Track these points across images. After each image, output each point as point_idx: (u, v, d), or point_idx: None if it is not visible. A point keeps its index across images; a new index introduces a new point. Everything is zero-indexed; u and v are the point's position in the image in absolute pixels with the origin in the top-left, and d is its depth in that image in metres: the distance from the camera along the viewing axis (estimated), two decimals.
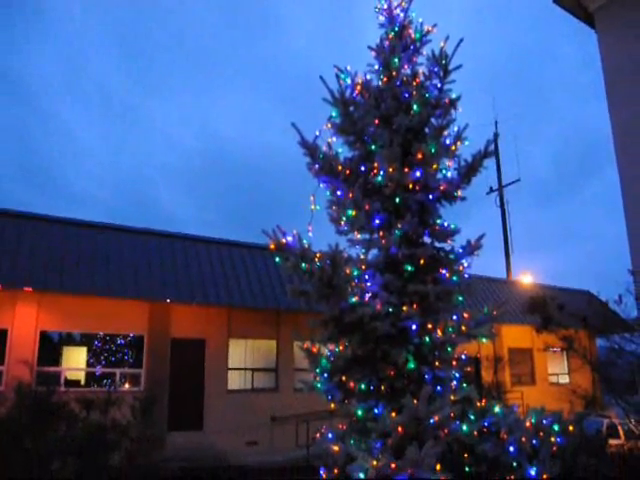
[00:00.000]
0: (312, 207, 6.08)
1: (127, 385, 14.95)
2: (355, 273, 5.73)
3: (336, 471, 4.85)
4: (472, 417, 5.04)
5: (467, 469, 4.75)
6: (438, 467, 4.22)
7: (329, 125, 6.60)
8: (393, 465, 4.03)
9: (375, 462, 4.02)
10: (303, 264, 5.30)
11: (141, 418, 6.48)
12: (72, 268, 14.64)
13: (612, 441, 11.78)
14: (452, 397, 5.12)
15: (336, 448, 4.65)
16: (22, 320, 14.56)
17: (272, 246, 5.39)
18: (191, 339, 16.24)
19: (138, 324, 15.84)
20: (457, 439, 4.67)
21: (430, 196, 6.29)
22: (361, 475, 4.04)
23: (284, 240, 5.38)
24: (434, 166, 6.28)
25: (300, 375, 17.24)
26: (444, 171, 6.51)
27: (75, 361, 16.11)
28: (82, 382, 15.31)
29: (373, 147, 6.48)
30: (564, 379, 24.89)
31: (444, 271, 6.07)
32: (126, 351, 16.96)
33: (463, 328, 5.82)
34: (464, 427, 4.70)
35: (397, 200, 6.09)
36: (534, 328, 20.85)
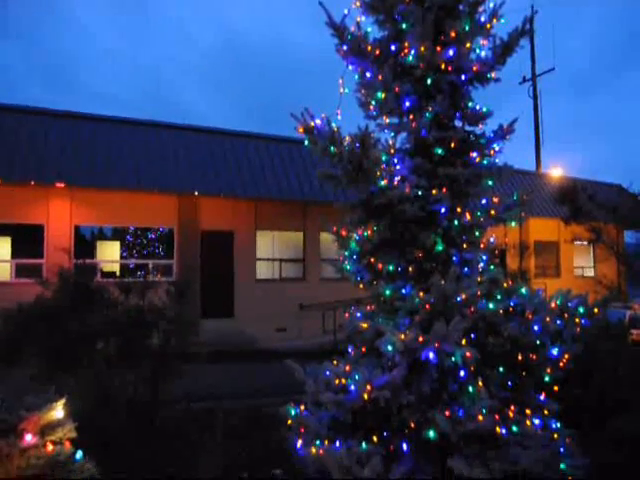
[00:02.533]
0: (340, 90, 5.90)
1: (159, 276, 15.55)
2: (384, 158, 5.66)
3: (364, 349, 5.07)
4: (498, 297, 5.14)
5: (489, 353, 4.89)
6: (464, 342, 4.38)
7: (358, 3, 6.24)
8: (421, 338, 4.19)
9: (403, 336, 4.18)
10: (332, 147, 5.22)
11: (176, 301, 6.76)
12: (102, 163, 14.79)
13: (634, 331, 12.01)
14: (479, 278, 5.19)
15: (365, 325, 4.84)
16: (57, 215, 14.98)
17: (300, 129, 5.30)
18: (220, 231, 16.59)
19: (168, 217, 16.18)
20: (483, 317, 4.79)
21: (462, 77, 6.02)
22: (389, 348, 4.22)
23: (313, 123, 5.27)
24: (467, 45, 5.95)
25: (327, 265, 17.68)
26: (478, 50, 6.18)
27: (109, 255, 16.75)
28: (117, 274, 15.99)
29: (404, 26, 6.13)
30: (589, 272, 25.03)
31: (475, 155, 5.94)
32: (157, 244, 17.48)
33: (492, 212, 5.79)
34: (490, 305, 4.81)
35: (428, 81, 5.86)
36: (562, 220, 20.74)
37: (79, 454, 4.23)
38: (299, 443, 4.47)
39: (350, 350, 5.19)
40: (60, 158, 14.46)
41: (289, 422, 4.78)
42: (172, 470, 5.24)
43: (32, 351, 5.69)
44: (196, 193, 15.47)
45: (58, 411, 4.13)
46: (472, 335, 4.67)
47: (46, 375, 5.48)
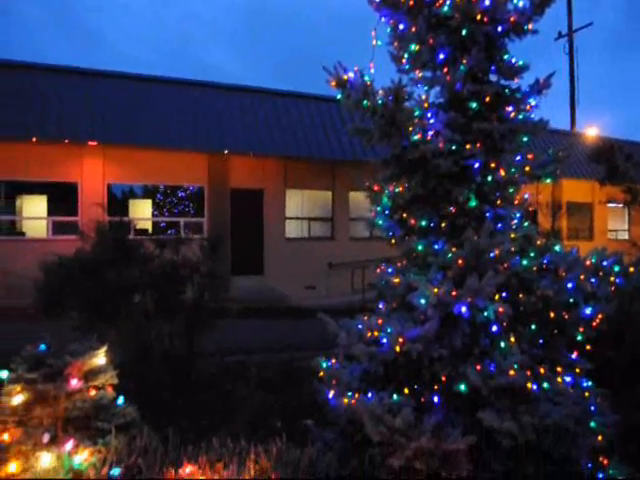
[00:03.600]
0: (373, 43, 5.78)
1: (191, 234, 15.73)
2: (417, 112, 5.57)
3: (395, 304, 5.11)
4: (532, 254, 5.09)
5: (522, 310, 4.87)
6: (497, 297, 4.37)
7: None
8: (454, 292, 4.20)
9: (436, 290, 4.19)
10: (365, 101, 5.16)
11: (209, 256, 6.87)
12: (133, 121, 14.90)
13: None
14: (512, 235, 5.14)
15: (397, 280, 4.86)
16: (90, 173, 15.24)
17: (333, 83, 5.23)
18: (249, 189, 16.68)
19: (198, 175, 16.30)
20: (516, 274, 4.76)
21: (499, 28, 5.82)
22: (422, 301, 4.25)
23: (345, 76, 5.20)
24: None
25: (355, 224, 17.71)
26: (515, 0, 5.97)
27: (141, 213, 17.02)
28: (149, 232, 16.26)
29: None
30: (623, 235, 24.52)
31: (510, 109, 5.80)
32: (187, 203, 17.67)
33: (527, 169, 5.68)
34: (523, 262, 4.77)
35: (463, 32, 5.68)
36: (597, 181, 20.21)
37: (121, 399, 4.42)
38: (331, 394, 4.57)
39: (381, 306, 5.23)
40: (93, 117, 14.60)
41: (321, 374, 4.87)
42: (207, 420, 5.43)
43: (73, 303, 5.89)
44: (226, 152, 15.50)
45: (100, 358, 4.31)
46: (504, 293, 4.65)
47: (87, 326, 5.68)
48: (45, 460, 3.80)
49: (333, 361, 4.86)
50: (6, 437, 3.95)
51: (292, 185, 17.27)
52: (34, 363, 4.14)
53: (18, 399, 4.06)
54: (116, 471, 3.68)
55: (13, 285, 12.75)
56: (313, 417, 5.02)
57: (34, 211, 15.85)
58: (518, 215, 5.58)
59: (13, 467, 3.80)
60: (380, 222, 5.35)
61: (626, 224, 24.72)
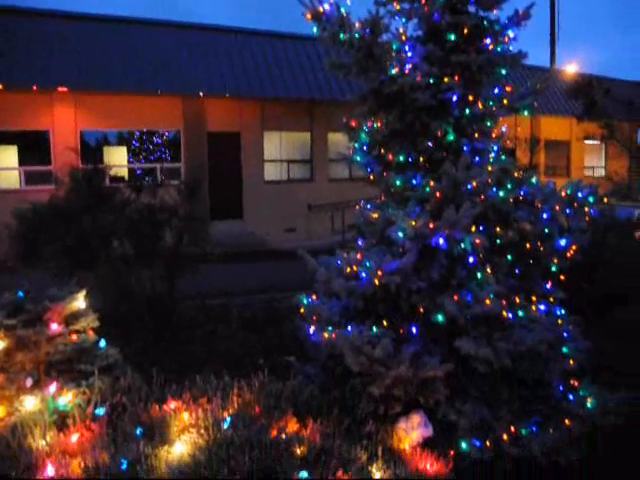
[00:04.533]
0: None
1: (167, 179, 15.50)
2: (395, 45, 5.44)
3: (374, 240, 5.13)
4: (509, 186, 5.11)
5: (498, 242, 4.91)
6: (473, 229, 4.41)
7: None
8: (431, 225, 4.22)
9: (414, 222, 4.21)
10: (341, 34, 5.02)
11: (187, 200, 6.80)
12: (104, 66, 14.39)
13: None
14: (489, 167, 5.14)
15: (375, 215, 4.86)
16: (61, 121, 14.80)
17: (308, 16, 5.06)
18: (226, 132, 16.38)
19: (173, 120, 15.94)
20: (492, 205, 4.79)
21: None
22: (400, 234, 4.27)
23: (321, 9, 5.03)
24: None
25: (335, 166, 17.60)
26: None
27: (116, 160, 16.66)
28: (125, 179, 15.98)
29: None
30: (600, 172, 24.71)
31: (488, 41, 5.68)
32: (163, 149, 17.35)
33: (505, 101, 5.62)
34: (500, 194, 4.79)
35: None
36: (575, 117, 20.20)
37: (102, 342, 4.44)
38: (312, 329, 4.64)
39: (360, 243, 5.25)
40: (62, 62, 14.06)
41: (302, 310, 4.93)
42: (189, 360, 5.50)
43: (50, 250, 5.82)
44: (201, 94, 15.12)
45: (80, 302, 4.30)
46: (481, 226, 4.69)
47: (65, 272, 5.63)
48: (29, 403, 3.84)
49: (313, 297, 4.91)
50: None
51: (270, 127, 16.99)
52: (12, 309, 4.12)
53: None
54: (101, 410, 3.73)
55: None
56: (294, 354, 5.12)
57: (5, 161, 15.43)
58: (495, 148, 5.56)
59: None
60: (358, 158, 5.31)
61: (603, 161, 24.91)
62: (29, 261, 6.04)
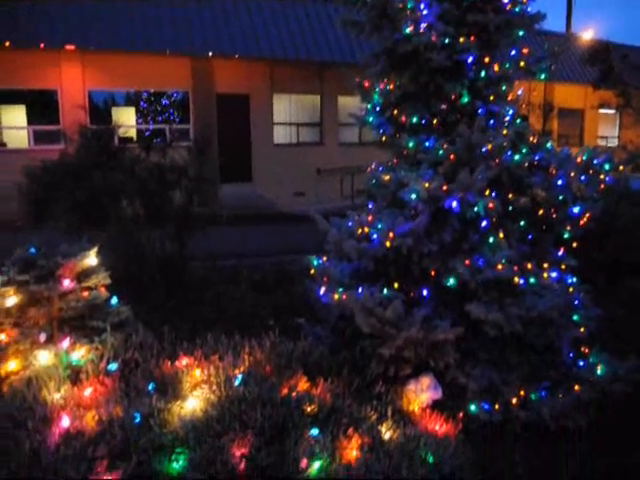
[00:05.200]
0: None
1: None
2: (409, 4, 5.30)
3: (385, 203, 5.09)
4: (523, 150, 5.03)
5: (511, 207, 4.86)
6: (487, 193, 4.36)
7: None
8: (445, 187, 4.17)
9: (427, 184, 4.16)
10: None
11: (197, 160, 6.75)
12: (111, 25, 14.16)
13: None
14: (505, 131, 5.05)
15: (387, 177, 4.81)
16: (69, 80, 14.65)
17: None
18: (235, 94, 16.18)
19: (182, 80, 15.74)
20: (507, 169, 4.72)
21: None
22: (413, 196, 4.23)
23: None
24: None
25: (345, 130, 17.40)
26: None
27: (125, 121, 16.49)
28: (134, 140, 15.88)
29: None
30: (613, 142, 24.32)
31: (506, 1, 5.52)
32: (172, 110, 17.19)
33: (521, 64, 5.50)
34: (515, 157, 4.72)
35: None
36: (590, 84, 19.74)
37: (114, 299, 4.47)
38: (322, 291, 4.64)
39: (370, 206, 5.21)
40: (69, 20, 13.83)
41: (312, 272, 4.94)
42: (200, 319, 5.54)
43: (60, 207, 5.82)
44: (210, 54, 14.88)
45: (91, 259, 4.31)
46: (495, 191, 4.63)
47: (75, 231, 5.63)
48: (43, 358, 3.89)
49: (324, 259, 4.91)
50: (3, 337, 4.02)
51: (279, 89, 16.75)
52: (24, 265, 4.14)
53: (12, 301, 4.10)
54: (114, 366, 3.78)
55: None
56: (304, 316, 5.15)
57: (14, 121, 15.37)
58: (511, 112, 5.46)
59: (13, 365, 3.90)
60: (370, 120, 5.23)
61: (616, 130, 24.51)
62: (39, 219, 6.05)
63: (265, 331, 4.40)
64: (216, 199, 7.30)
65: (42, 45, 13.45)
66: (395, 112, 5.23)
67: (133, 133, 16.33)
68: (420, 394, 4.05)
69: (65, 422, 3.13)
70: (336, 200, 15.35)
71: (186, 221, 6.43)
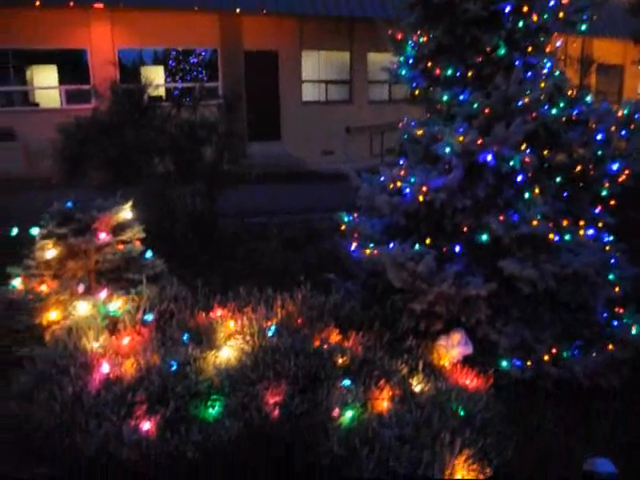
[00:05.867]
0: None
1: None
2: None
3: (416, 159, 5.01)
4: (562, 104, 4.87)
5: (547, 163, 4.73)
6: (523, 146, 4.26)
7: None
8: (480, 141, 4.09)
9: (462, 138, 4.08)
10: None
11: (227, 116, 6.73)
12: None
13: None
14: (542, 84, 4.89)
15: (420, 132, 4.73)
16: (99, 39, 14.64)
17: None
18: (264, 51, 15.97)
19: (210, 38, 15.58)
20: (544, 124, 4.59)
21: None
22: (447, 150, 4.15)
23: None
24: None
25: (374, 87, 17.08)
26: None
27: (154, 80, 16.48)
28: (163, 99, 15.87)
29: None
30: None
31: None
32: (200, 69, 17.06)
33: (560, 14, 5.27)
34: (553, 111, 4.58)
35: None
36: (632, 38, 18.85)
37: (149, 253, 4.56)
38: (353, 246, 4.64)
39: (402, 162, 5.14)
40: None
41: (343, 228, 4.93)
42: (232, 273, 5.62)
43: (93, 164, 5.90)
44: (238, 10, 14.65)
45: (126, 212, 4.38)
46: (531, 146, 4.51)
47: (109, 187, 5.72)
48: (82, 308, 4.01)
49: (355, 215, 4.89)
50: (44, 288, 4.15)
51: (308, 46, 16.44)
52: (62, 219, 4.23)
53: (51, 253, 4.21)
54: (150, 316, 3.88)
55: (33, 156, 12.79)
56: (334, 272, 5.15)
57: (45, 81, 15.49)
58: (549, 64, 5.27)
59: (54, 315, 4.03)
60: (403, 73, 5.10)
61: None
62: (73, 176, 6.14)
63: (296, 286, 4.44)
64: (245, 157, 7.28)
65: (71, 3, 13.40)
66: (429, 65, 5.09)
67: (162, 92, 16.32)
68: (451, 349, 4.06)
69: (105, 369, 3.24)
70: (365, 159, 15.16)
71: (216, 178, 6.46)
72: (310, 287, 4.41)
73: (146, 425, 2.92)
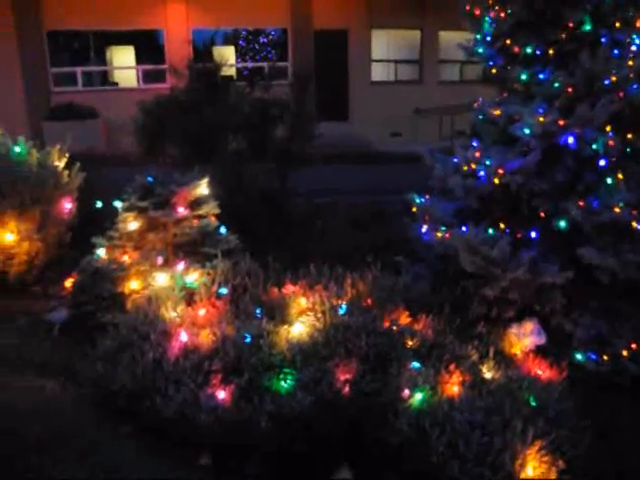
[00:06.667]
0: None
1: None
2: None
3: (491, 140, 4.88)
4: None
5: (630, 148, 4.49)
6: (608, 128, 4.07)
7: None
8: (561, 122, 3.94)
9: (542, 119, 3.94)
10: None
11: (298, 95, 6.77)
12: None
13: None
14: (631, 62, 4.63)
15: (497, 112, 4.59)
16: (174, 19, 15.01)
17: None
18: (333, 30, 15.88)
19: (280, 17, 15.66)
20: (631, 104, 4.36)
21: None
22: (526, 131, 4.02)
23: None
24: None
25: (445, 67, 16.68)
26: None
27: (225, 60, 16.73)
28: (234, 78, 16.11)
29: None
30: None
31: None
32: (269, 49, 17.18)
33: None
34: None
35: None
36: None
37: (223, 228, 4.69)
38: (424, 229, 4.60)
39: (475, 144, 5.01)
40: None
41: (414, 210, 4.89)
42: (301, 251, 5.68)
43: (172, 140, 6.10)
44: None
45: (203, 188, 4.52)
46: (612, 132, 4.28)
47: (186, 164, 5.89)
48: (161, 279, 4.19)
49: (426, 197, 4.84)
50: (126, 258, 4.36)
51: (378, 24, 16.20)
52: (143, 193, 4.42)
53: (133, 226, 4.41)
54: (224, 290, 4.00)
55: (112, 134, 13.33)
56: (402, 254, 5.12)
57: (124, 61, 16.05)
58: (638, 41, 4.99)
59: (135, 284, 4.23)
60: (480, 50, 4.94)
61: None
62: (152, 153, 6.37)
63: (364, 266, 4.45)
64: (314, 137, 7.31)
65: None
66: (507, 42, 4.91)
67: (233, 72, 16.57)
68: (523, 338, 3.97)
69: (184, 337, 3.39)
70: (434, 141, 14.86)
71: (287, 157, 6.54)
72: (379, 268, 4.41)
73: (221, 393, 3.04)
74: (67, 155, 5.56)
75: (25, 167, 5.07)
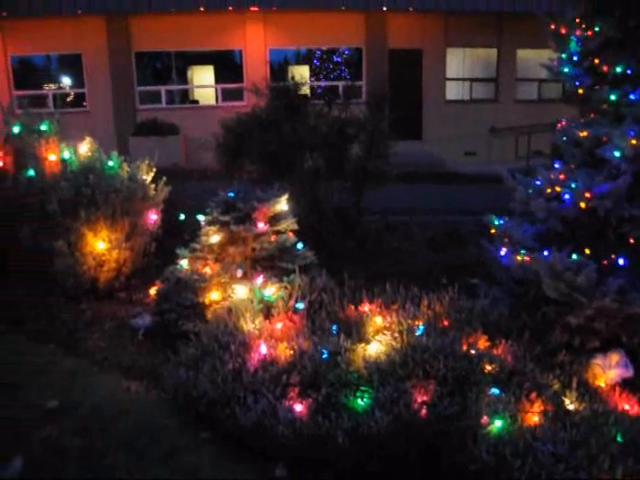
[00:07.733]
0: None
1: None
2: None
3: (575, 163, 4.74)
4: None
5: None
6: None
7: None
8: None
9: (634, 141, 3.80)
10: None
11: (374, 114, 6.83)
12: None
13: None
14: None
15: (584, 133, 4.44)
16: (252, 40, 15.54)
17: None
18: (408, 49, 15.91)
19: (356, 37, 15.86)
20: None
21: None
22: (616, 153, 3.89)
23: None
24: None
25: (522, 85, 16.32)
26: None
27: (300, 79, 17.08)
28: (308, 97, 16.41)
29: None
30: None
31: None
32: (343, 68, 17.39)
33: None
34: None
35: None
36: None
37: (300, 244, 4.77)
38: (503, 251, 4.50)
39: (557, 165, 4.87)
40: None
41: (492, 231, 4.80)
42: (375, 269, 5.69)
43: (251, 157, 6.29)
44: (384, 8, 14.73)
45: (283, 204, 4.63)
46: None
47: (264, 180, 6.06)
48: (240, 292, 4.31)
49: (505, 219, 4.74)
50: (207, 270, 4.51)
51: (453, 43, 16.09)
52: (225, 208, 4.58)
53: (215, 239, 4.57)
54: (301, 305, 4.06)
55: (192, 150, 13.86)
56: (477, 277, 5.03)
57: (204, 80, 16.73)
58: None
59: (215, 295, 4.37)
60: (566, 70, 4.82)
61: None
62: (232, 168, 6.58)
63: (439, 288, 4.40)
64: (388, 156, 7.33)
65: (230, 8, 14.34)
66: (595, 61, 4.78)
67: (307, 90, 16.89)
68: (608, 370, 3.79)
69: (263, 349, 3.46)
70: (509, 161, 14.54)
71: (363, 175, 6.58)
72: (453, 291, 4.35)
73: (299, 407, 3.08)
74: (154, 169, 5.84)
75: (117, 180, 5.37)
